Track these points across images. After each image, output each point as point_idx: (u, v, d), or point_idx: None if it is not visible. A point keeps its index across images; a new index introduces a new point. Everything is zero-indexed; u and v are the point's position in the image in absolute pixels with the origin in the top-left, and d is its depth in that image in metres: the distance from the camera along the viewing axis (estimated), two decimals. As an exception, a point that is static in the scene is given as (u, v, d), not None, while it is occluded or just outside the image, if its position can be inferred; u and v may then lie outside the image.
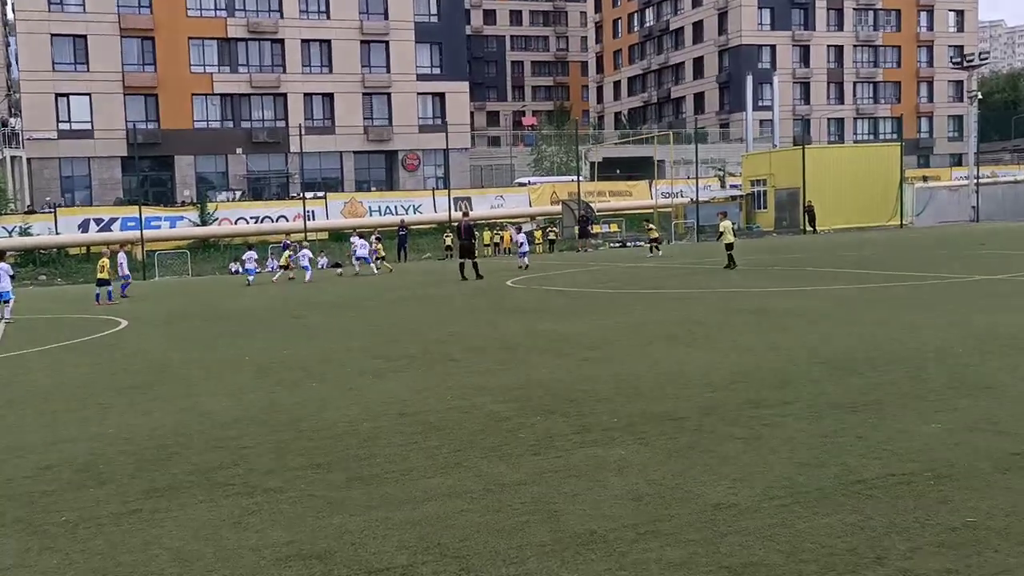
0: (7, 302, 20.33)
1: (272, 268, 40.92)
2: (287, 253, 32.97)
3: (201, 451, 7.33)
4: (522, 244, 30.53)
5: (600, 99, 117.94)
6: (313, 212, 53.89)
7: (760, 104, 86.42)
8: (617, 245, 46.66)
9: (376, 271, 32.14)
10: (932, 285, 17.60)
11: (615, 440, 6.92)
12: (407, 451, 6.95)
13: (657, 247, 35.79)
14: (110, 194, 62.45)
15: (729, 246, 25.52)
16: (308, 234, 49.48)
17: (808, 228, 48.24)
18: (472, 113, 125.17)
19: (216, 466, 6.85)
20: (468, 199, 60.02)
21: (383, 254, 34.34)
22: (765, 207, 54.10)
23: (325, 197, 55.92)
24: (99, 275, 25.29)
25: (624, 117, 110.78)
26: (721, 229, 26.62)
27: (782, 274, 21.92)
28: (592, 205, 55.12)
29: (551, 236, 44.36)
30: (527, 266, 29.45)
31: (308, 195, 56.32)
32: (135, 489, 6.36)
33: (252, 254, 35.12)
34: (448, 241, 44.44)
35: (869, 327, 12.06)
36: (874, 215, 52.31)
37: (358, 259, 33.17)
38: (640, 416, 7.65)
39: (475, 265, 25.93)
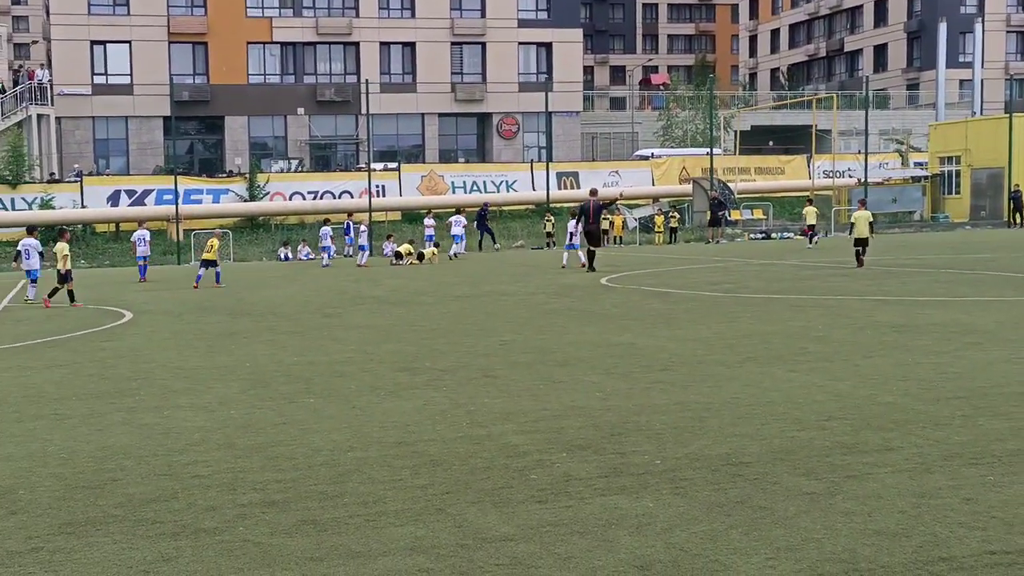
0: (34, 281, 22.60)
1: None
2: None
3: (143, 478, 7.43)
4: (571, 235, 29.56)
5: (753, 52, 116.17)
6: (383, 187, 54.62)
7: (960, 60, 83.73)
8: (760, 236, 45.80)
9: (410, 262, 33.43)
10: None
11: (647, 488, 6.72)
12: (386, 490, 6.90)
13: (814, 236, 35.33)
14: (150, 161, 64.69)
15: (861, 242, 25.31)
16: (374, 214, 50.27)
17: (1015, 220, 46.44)
18: (593, 68, 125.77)
19: (153, 498, 6.93)
20: (575, 174, 59.91)
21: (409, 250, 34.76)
22: (957, 192, 52.43)
23: (399, 169, 56.60)
24: (206, 255, 27.91)
25: (783, 75, 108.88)
26: (852, 220, 26.49)
27: (957, 279, 21.25)
28: (731, 185, 54.31)
29: (672, 223, 43.82)
30: (582, 264, 28.33)
31: (377, 166, 57.11)
32: (46, 523, 6.47)
33: (328, 230, 36.15)
34: (549, 227, 44.42)
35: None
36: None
37: (455, 237, 37.54)
38: (691, 458, 7.42)
39: (591, 254, 27.06)
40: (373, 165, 58.85)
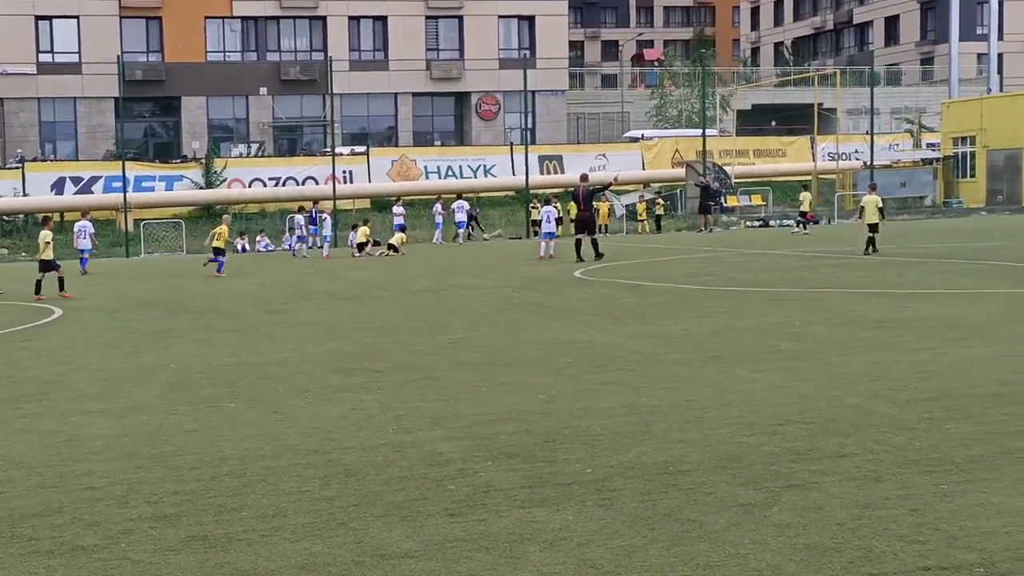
0: None
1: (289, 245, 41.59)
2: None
3: (29, 491, 7.37)
4: (548, 219, 30.13)
5: (755, 25, 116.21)
6: (350, 173, 54.51)
7: (979, 32, 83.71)
8: (757, 224, 45.85)
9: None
10: None
11: (571, 499, 6.68)
12: (288, 503, 6.85)
13: (804, 224, 35.60)
14: (100, 145, 64.44)
15: (873, 227, 25.96)
16: (341, 202, 50.16)
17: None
18: (583, 43, 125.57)
19: (35, 512, 6.87)
20: (559, 158, 59.87)
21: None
22: (972, 175, 52.57)
23: (367, 153, 56.48)
24: (215, 243, 28.94)
25: (787, 49, 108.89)
26: (862, 204, 27.12)
27: (957, 270, 21.34)
28: (727, 169, 54.35)
29: (658, 211, 43.80)
30: (551, 256, 28.71)
31: (344, 150, 56.96)
32: (-87, 540, 6.40)
33: (300, 219, 36.18)
34: (536, 215, 44.43)
35: (1027, 349, 11.53)
36: None
37: (459, 224, 40.33)
38: (626, 467, 7.39)
39: (595, 242, 27.51)
40: (340, 149, 58.80)
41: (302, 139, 69.45)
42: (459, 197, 43.20)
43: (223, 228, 29.58)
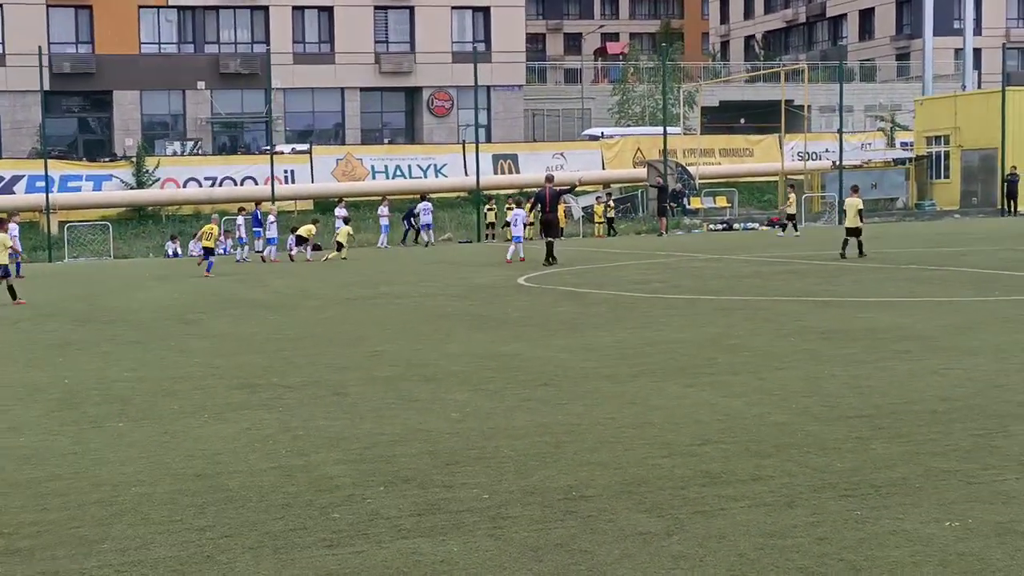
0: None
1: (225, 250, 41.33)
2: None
3: None
4: (515, 222, 30.56)
5: (725, 18, 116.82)
6: (292, 172, 54.25)
7: (956, 27, 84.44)
8: (721, 227, 45.95)
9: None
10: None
11: (460, 528, 6.57)
12: (156, 534, 6.68)
13: (792, 225, 37.60)
14: (26, 142, 63.83)
15: (854, 231, 26.38)
16: (283, 203, 49.86)
17: (1009, 208, 46.93)
18: (544, 36, 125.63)
19: None
20: (513, 157, 59.85)
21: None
22: (947, 176, 52.94)
23: (310, 152, 56.21)
24: (204, 243, 30.88)
25: (758, 44, 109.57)
26: (846, 207, 27.64)
27: (919, 277, 21.46)
28: (691, 169, 54.51)
29: (608, 213, 43.80)
30: (522, 259, 28.96)
31: (286, 148, 56.69)
32: None
33: (240, 220, 36.05)
34: (491, 216, 44.40)
35: (982, 361, 11.55)
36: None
37: (424, 226, 41.48)
38: (526, 492, 7.29)
39: (550, 245, 27.98)
40: (282, 147, 58.56)
41: (243, 136, 69.08)
42: (423, 198, 43.46)
43: (212, 227, 31.27)
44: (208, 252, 30.29)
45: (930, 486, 7.17)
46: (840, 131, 48.84)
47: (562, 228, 43.07)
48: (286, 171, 53.99)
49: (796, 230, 37.88)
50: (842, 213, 28.28)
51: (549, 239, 28.15)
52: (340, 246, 34.34)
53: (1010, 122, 48.15)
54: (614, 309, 17.64)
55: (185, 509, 7.19)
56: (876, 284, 20.25)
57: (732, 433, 8.81)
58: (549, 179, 30.13)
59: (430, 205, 42.72)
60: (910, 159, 53.62)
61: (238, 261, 35.21)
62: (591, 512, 6.83)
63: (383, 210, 42.44)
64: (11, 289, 22.20)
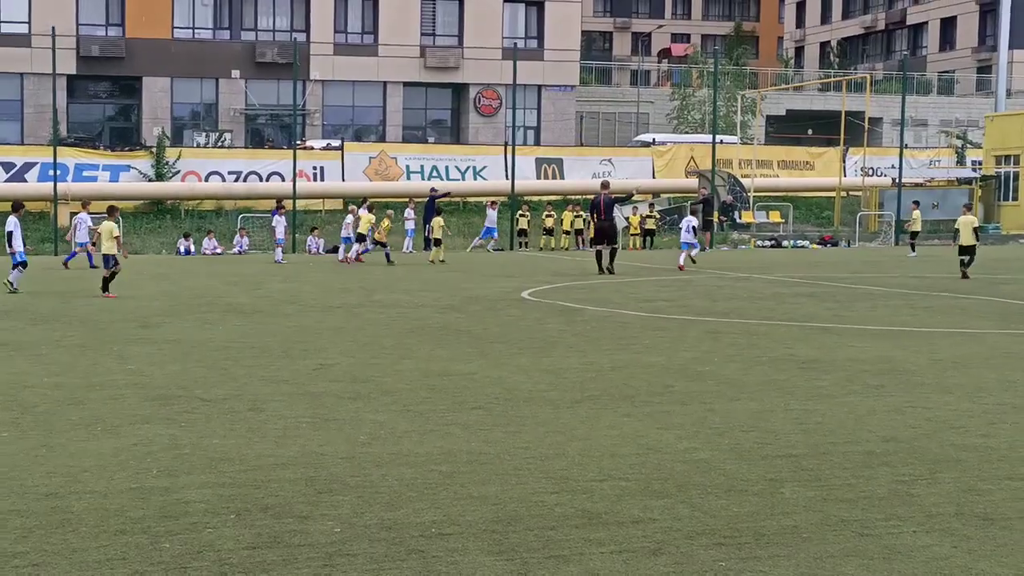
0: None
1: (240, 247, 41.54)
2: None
3: None
4: (687, 227, 32.49)
5: (800, 22, 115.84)
6: (322, 169, 54.40)
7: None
8: (768, 244, 45.49)
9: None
10: None
11: (288, 565, 6.41)
12: (-31, 555, 6.57)
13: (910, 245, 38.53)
14: (49, 127, 64.57)
15: (966, 250, 27.63)
16: (308, 202, 50.05)
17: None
18: (611, 35, 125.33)
19: None
20: (558, 161, 59.64)
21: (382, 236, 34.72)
22: (1015, 198, 52.09)
23: (342, 148, 56.30)
24: (359, 230, 34.69)
25: (833, 50, 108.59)
26: (957, 227, 28.78)
27: (942, 306, 21.09)
28: (744, 181, 54.06)
29: (649, 224, 43.50)
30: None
31: (317, 144, 56.87)
32: None
33: (282, 219, 35.74)
34: (523, 223, 44.21)
35: (951, 400, 11.32)
36: None
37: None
38: (383, 527, 7.14)
39: (613, 253, 29.44)
40: (313, 143, 58.77)
41: (279, 129, 69.37)
42: (411, 202, 43.41)
43: (369, 215, 34.62)
44: (360, 238, 34.31)
45: (818, 537, 6.91)
46: (901, 146, 48.19)
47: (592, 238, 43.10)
48: (315, 168, 54.12)
49: (913, 250, 38.23)
50: (955, 232, 29.13)
51: (612, 247, 29.48)
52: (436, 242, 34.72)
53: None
54: (601, 328, 17.43)
55: (10, 532, 7.06)
56: (891, 311, 19.87)
57: (642, 469, 8.59)
58: (605, 185, 31.02)
59: (413, 212, 41.87)
60: (976, 179, 52.74)
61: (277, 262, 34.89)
62: (439, 553, 6.64)
63: (409, 212, 42.35)
64: (107, 280, 22.79)
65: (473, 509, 7.53)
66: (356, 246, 35.11)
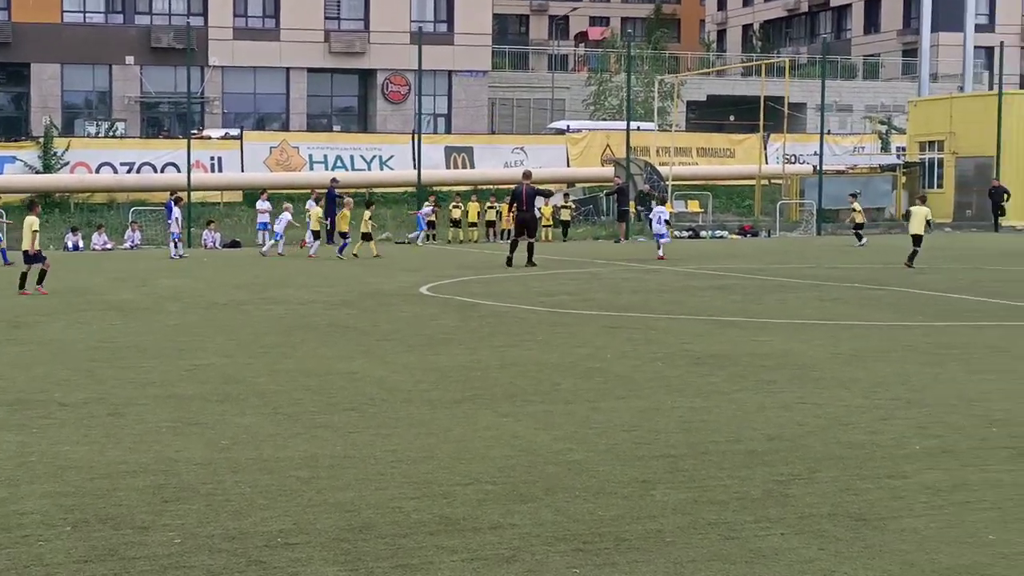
0: None
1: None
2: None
3: None
4: (659, 219, 33.45)
5: (723, 4, 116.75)
6: (219, 159, 53.86)
7: (978, 23, 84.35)
8: (686, 235, 45.71)
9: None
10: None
11: (116, 579, 6.28)
12: None
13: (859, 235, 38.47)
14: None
15: (918, 239, 28.28)
16: (205, 194, 49.55)
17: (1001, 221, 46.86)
18: (528, 18, 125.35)
19: None
20: (468, 150, 59.56)
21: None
22: (940, 186, 52.79)
23: (241, 138, 55.78)
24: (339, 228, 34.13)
25: (756, 33, 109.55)
26: (913, 213, 29.81)
27: (850, 296, 21.33)
28: (663, 169, 54.29)
29: (563, 215, 43.52)
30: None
31: (215, 133, 56.34)
32: None
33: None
34: (433, 216, 43.93)
35: (846, 395, 11.46)
36: None
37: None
38: (227, 537, 7.05)
39: (530, 247, 29.18)
40: (211, 132, 58.21)
41: (176, 118, 68.62)
42: (265, 196, 41.71)
43: (346, 212, 33.75)
44: (343, 235, 33.73)
45: (682, 541, 6.92)
46: (822, 132, 48.67)
47: (506, 229, 42.99)
48: (213, 158, 53.57)
49: (860, 240, 38.39)
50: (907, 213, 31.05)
51: (529, 240, 29.27)
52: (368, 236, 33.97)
53: (1009, 129, 47.97)
54: (496, 324, 17.38)
55: None
56: (800, 304, 20.05)
57: (512, 472, 8.55)
58: (526, 175, 30.91)
59: (314, 204, 40.78)
60: (899, 166, 53.46)
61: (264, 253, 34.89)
62: (280, 563, 6.56)
63: (311, 204, 41.90)
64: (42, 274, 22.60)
65: (325, 516, 7.45)
66: (315, 243, 35.01)
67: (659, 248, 32.46)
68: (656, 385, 12.11)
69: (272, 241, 36.14)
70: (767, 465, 8.70)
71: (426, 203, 42.53)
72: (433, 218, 42.07)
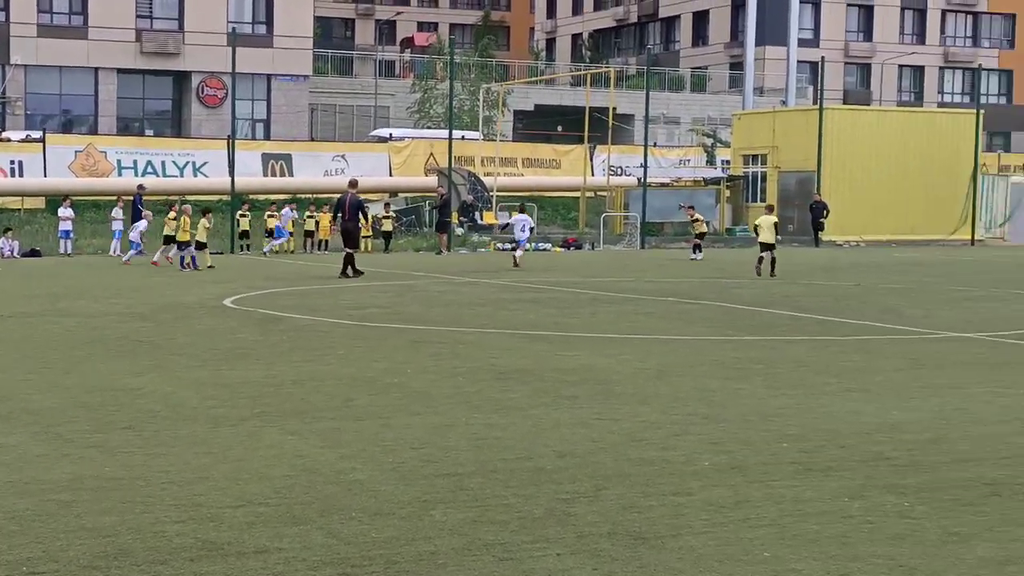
0: None
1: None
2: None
3: None
4: (523, 226, 35.03)
5: (552, 12, 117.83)
6: (20, 163, 52.36)
7: (801, 37, 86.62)
8: (509, 247, 45.88)
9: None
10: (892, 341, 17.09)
11: None
12: None
13: (699, 247, 39.19)
14: None
15: (769, 246, 30.14)
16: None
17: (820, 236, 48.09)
18: (353, 22, 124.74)
19: None
20: (287, 157, 58.99)
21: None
22: (763, 199, 53.93)
23: (43, 141, 54.31)
24: (181, 236, 32.02)
25: (585, 43, 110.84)
26: (760, 224, 31.24)
27: (663, 310, 21.58)
28: (487, 180, 54.51)
29: (383, 226, 43.31)
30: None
31: (16, 136, 54.82)
32: None
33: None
34: (245, 224, 43.29)
35: (645, 411, 11.53)
36: (936, 222, 52.44)
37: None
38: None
39: (349, 257, 29.06)
40: (11, 134, 56.60)
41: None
42: (67, 200, 41.10)
43: (184, 219, 32.05)
44: (200, 245, 32.32)
45: (454, 563, 6.85)
46: (646, 144, 49.49)
47: (325, 240, 42.65)
48: (12, 162, 52.05)
49: (696, 252, 38.83)
50: (755, 227, 32.34)
51: (348, 250, 29.16)
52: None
53: (830, 144, 49.30)
54: (297, 338, 17.17)
55: None
56: (613, 317, 20.28)
57: (289, 493, 8.39)
58: (352, 184, 31.03)
59: (121, 212, 40.44)
60: (723, 179, 54.55)
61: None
62: (20, 591, 6.29)
63: (117, 211, 41.05)
64: None
65: (80, 543, 7.18)
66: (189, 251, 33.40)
67: (516, 255, 33.46)
68: (454, 401, 12.05)
69: (132, 251, 35.68)
70: (554, 483, 8.69)
71: (287, 206, 42.93)
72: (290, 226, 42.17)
